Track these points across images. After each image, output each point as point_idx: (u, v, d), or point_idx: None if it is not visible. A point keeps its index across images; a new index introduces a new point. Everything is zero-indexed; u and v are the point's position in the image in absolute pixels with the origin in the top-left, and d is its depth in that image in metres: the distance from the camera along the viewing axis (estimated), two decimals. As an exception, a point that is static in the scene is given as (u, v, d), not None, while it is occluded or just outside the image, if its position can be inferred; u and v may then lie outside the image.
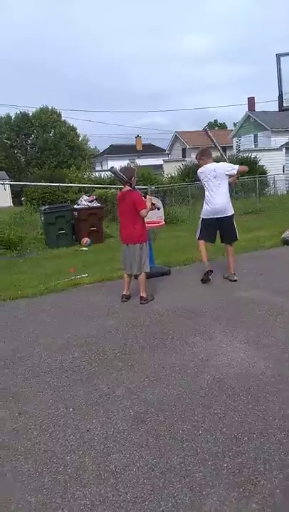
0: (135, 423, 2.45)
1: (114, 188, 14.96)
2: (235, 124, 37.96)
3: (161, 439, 2.28)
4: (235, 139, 31.33)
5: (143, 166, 22.67)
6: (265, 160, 20.95)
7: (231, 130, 36.04)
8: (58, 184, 15.36)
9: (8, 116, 51.32)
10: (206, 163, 5.61)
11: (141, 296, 4.91)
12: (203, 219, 5.65)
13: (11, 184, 28.56)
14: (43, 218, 10.84)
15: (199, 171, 5.70)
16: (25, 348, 3.79)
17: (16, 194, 32.90)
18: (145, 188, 14.48)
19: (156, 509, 1.82)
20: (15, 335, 4.15)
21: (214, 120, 57.85)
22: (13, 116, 51.22)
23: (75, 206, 11.12)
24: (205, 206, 5.60)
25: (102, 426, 2.45)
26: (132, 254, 4.92)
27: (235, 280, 5.48)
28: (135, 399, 2.72)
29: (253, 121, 29.15)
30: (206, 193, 5.56)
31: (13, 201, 35.00)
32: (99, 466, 2.11)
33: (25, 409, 2.72)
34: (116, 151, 42.95)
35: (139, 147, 44.21)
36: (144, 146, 44.69)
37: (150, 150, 44.15)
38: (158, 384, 2.89)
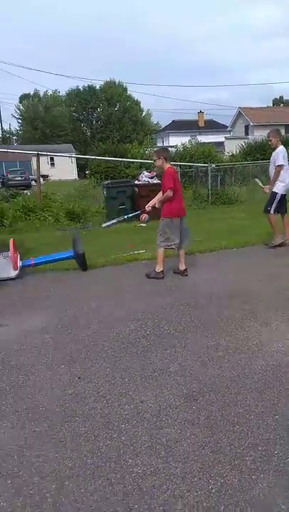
0: (187, 400, 2.50)
1: (174, 164, 14.80)
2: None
3: (213, 420, 2.32)
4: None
5: (204, 142, 22.11)
6: None
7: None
8: (120, 159, 15.47)
9: (77, 89, 52.04)
10: (278, 145, 6.28)
11: (185, 269, 5.23)
12: (281, 194, 6.29)
13: (77, 157, 29.21)
14: (105, 192, 11.04)
15: (281, 149, 6.20)
16: (86, 316, 3.97)
17: (81, 167, 33.63)
18: (205, 166, 14.16)
19: (205, 486, 1.87)
20: (76, 303, 4.34)
21: (279, 96, 54.51)
22: (81, 89, 51.85)
23: (136, 182, 11.18)
24: (280, 183, 6.24)
25: (155, 399, 2.53)
26: (184, 226, 5.25)
27: None
28: (188, 377, 2.77)
29: None
30: (283, 172, 6.16)
31: (78, 174, 35.93)
32: (151, 438, 2.19)
33: (84, 375, 2.87)
34: (177, 126, 42.21)
35: (201, 123, 43.12)
36: (206, 122, 43.50)
37: (212, 126, 42.90)
38: (211, 364, 2.91)
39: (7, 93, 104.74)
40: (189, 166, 15.39)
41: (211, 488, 1.86)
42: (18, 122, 57.80)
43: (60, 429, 2.31)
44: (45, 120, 50.86)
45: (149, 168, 13.60)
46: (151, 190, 10.60)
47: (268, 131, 6.89)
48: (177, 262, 5.35)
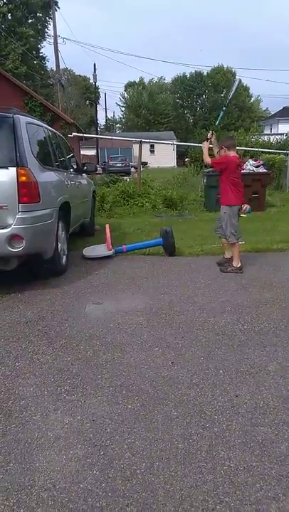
0: (287, 402, 2.36)
1: (283, 153, 13.98)
2: None
3: (315, 427, 2.15)
4: None
5: None
6: None
7: None
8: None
9: (184, 76, 51.81)
10: None
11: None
12: None
13: (177, 144, 29.29)
14: (205, 180, 10.88)
15: None
16: (180, 303, 3.97)
17: (181, 155, 33.65)
18: None
19: (303, 494, 1.74)
20: (172, 290, 4.36)
21: None
22: (188, 76, 51.48)
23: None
24: None
25: (251, 396, 2.43)
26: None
27: None
28: (288, 379, 2.61)
29: None
30: None
31: (177, 162, 36.04)
32: (245, 434, 2.11)
33: (177, 360, 2.87)
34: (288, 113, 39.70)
35: (316, 110, 40.00)
36: None
37: None
38: (315, 369, 2.71)
39: (115, 81, 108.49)
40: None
41: (309, 498, 1.73)
42: (122, 110, 59.65)
43: (152, 409, 2.34)
44: (149, 107, 51.66)
45: (254, 156, 13.05)
46: (256, 179, 10.20)
47: None
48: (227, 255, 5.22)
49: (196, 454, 1.99)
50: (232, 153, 5.10)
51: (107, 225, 6.40)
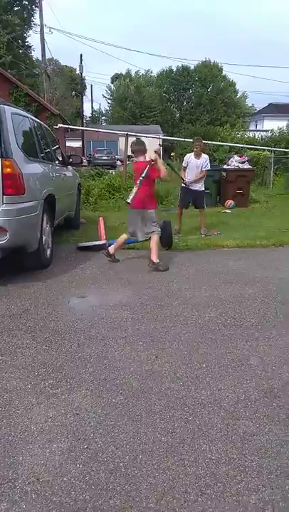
0: (268, 396, 2.41)
1: (268, 149, 14.11)
2: None
3: (294, 420, 2.20)
4: None
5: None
6: None
7: None
8: (209, 142, 15.12)
9: (170, 70, 51.55)
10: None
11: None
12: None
13: (164, 139, 29.18)
14: (190, 175, 10.89)
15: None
16: (165, 297, 3.99)
17: (167, 149, 33.59)
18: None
19: (282, 486, 1.79)
20: (157, 284, 4.38)
21: None
22: (174, 70, 51.26)
23: (224, 166, 10.87)
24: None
25: (233, 389, 2.47)
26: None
27: None
28: (270, 372, 2.66)
29: None
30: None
31: (162, 156, 35.96)
32: (227, 427, 2.15)
33: (161, 355, 2.89)
34: (274, 110, 40.00)
35: (302, 107, 40.33)
36: (307, 106, 40.58)
37: (315, 111, 39.94)
38: (296, 363, 2.76)
39: (102, 73, 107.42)
40: (284, 152, 14.58)
41: (288, 488, 1.78)
42: (108, 102, 59.11)
43: (136, 403, 2.36)
44: (135, 100, 51.31)
45: (239, 152, 13.14)
46: (240, 175, 10.29)
47: None
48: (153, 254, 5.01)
49: (178, 447, 2.02)
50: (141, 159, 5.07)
51: (101, 218, 6.61)
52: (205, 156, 7.13)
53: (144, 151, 5.12)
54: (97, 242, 5.91)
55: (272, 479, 1.82)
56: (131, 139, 13.71)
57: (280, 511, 1.67)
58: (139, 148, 5.15)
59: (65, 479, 1.82)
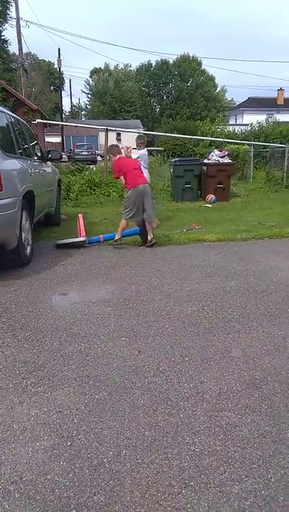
0: (249, 387, 2.44)
1: (247, 144, 14.22)
2: None
3: (276, 410, 2.23)
4: None
5: (282, 122, 20.98)
6: None
7: None
8: (190, 136, 15.17)
9: (149, 64, 51.39)
10: None
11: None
12: None
13: (144, 134, 29.18)
14: (171, 170, 10.92)
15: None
16: (147, 292, 3.99)
17: (148, 144, 33.54)
18: (282, 147, 13.46)
19: (264, 475, 1.82)
20: (139, 279, 4.38)
21: None
22: (153, 64, 51.10)
23: (205, 161, 10.91)
24: None
25: (216, 382, 2.49)
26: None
27: None
28: (251, 364, 2.69)
29: None
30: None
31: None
32: (210, 419, 2.17)
33: (144, 349, 2.89)
34: (254, 104, 40.39)
35: (280, 101, 40.88)
36: (285, 100, 41.14)
37: (292, 105, 40.47)
38: (277, 354, 2.80)
39: (80, 67, 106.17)
40: (264, 146, 14.72)
41: (271, 478, 1.80)
42: (88, 97, 58.59)
43: (119, 398, 2.36)
44: (115, 95, 50.99)
45: (219, 146, 13.21)
46: (220, 169, 10.34)
47: None
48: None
49: (162, 441, 2.03)
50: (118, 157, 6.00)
51: (80, 215, 6.57)
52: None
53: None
54: (76, 239, 5.84)
55: (254, 469, 1.85)
56: (111, 134, 13.63)
57: (262, 500, 1.69)
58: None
59: (48, 477, 1.81)
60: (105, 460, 1.91)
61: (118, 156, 6.04)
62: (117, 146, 6.48)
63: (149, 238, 5.74)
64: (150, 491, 1.74)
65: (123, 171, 5.86)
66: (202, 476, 1.82)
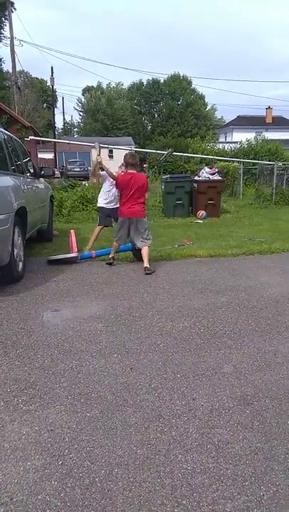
0: (241, 403, 2.44)
1: (237, 161, 14.45)
2: None
3: (267, 426, 2.24)
4: None
5: (271, 140, 21.41)
6: None
7: None
8: (180, 154, 15.37)
9: (140, 83, 52.33)
10: None
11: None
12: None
13: (136, 151, 29.52)
14: (163, 187, 11.04)
15: None
16: (139, 308, 4.00)
17: (139, 160, 33.92)
18: (271, 164, 13.70)
19: (257, 492, 1.81)
20: (131, 296, 4.39)
21: None
22: (144, 83, 52.03)
23: (196, 178, 11.07)
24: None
25: (207, 399, 2.50)
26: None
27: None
28: (243, 380, 2.70)
29: None
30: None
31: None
32: (202, 436, 2.16)
33: (136, 366, 2.89)
34: (243, 122, 41.18)
35: (268, 119, 41.75)
36: (274, 118, 42.04)
37: (281, 123, 41.41)
38: (268, 370, 2.82)
39: (73, 85, 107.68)
40: (253, 163, 14.98)
41: (263, 495, 1.80)
42: (80, 114, 59.25)
43: (111, 416, 2.35)
44: (107, 112, 51.65)
45: (209, 163, 13.41)
46: (211, 186, 10.49)
47: None
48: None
49: (154, 459, 2.02)
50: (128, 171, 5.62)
51: (72, 230, 6.54)
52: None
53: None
54: (68, 255, 5.83)
55: (246, 486, 1.85)
56: (103, 151, 13.75)
57: (254, 518, 1.69)
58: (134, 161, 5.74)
59: (39, 497, 1.79)
60: (97, 479, 1.90)
61: (131, 171, 5.57)
62: (136, 157, 5.90)
63: (144, 265, 5.36)
64: (142, 510, 1.73)
65: (122, 189, 5.57)
66: (194, 494, 1.81)
